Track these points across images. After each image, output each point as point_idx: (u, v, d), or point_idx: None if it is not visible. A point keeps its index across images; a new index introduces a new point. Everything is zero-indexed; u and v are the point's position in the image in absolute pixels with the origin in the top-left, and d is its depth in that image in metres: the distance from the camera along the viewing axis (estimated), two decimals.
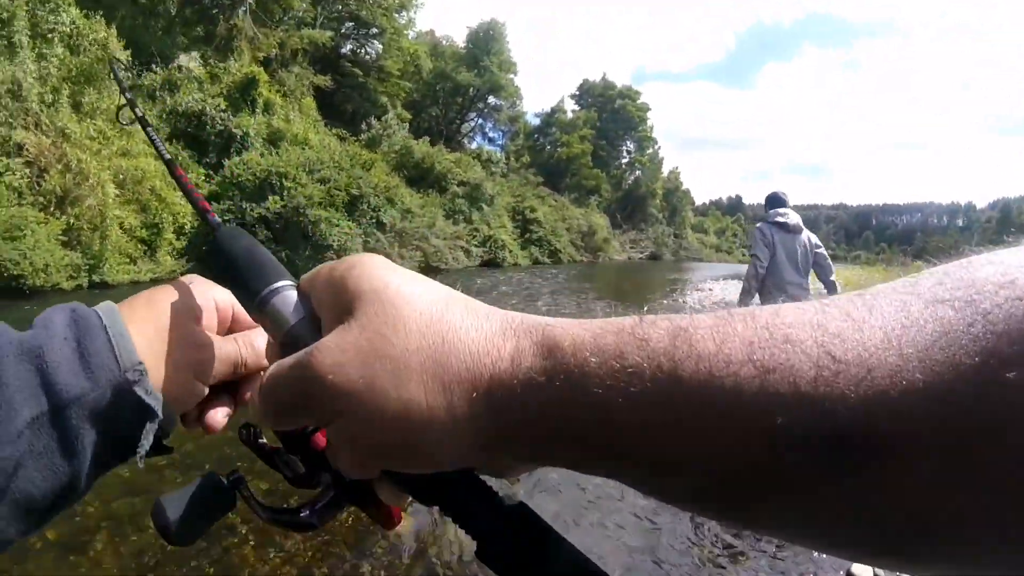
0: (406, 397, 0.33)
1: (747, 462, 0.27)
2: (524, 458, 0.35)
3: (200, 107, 20.10)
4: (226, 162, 19.51)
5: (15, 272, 11.70)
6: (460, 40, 50.31)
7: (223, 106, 20.92)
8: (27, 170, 13.50)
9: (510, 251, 30.54)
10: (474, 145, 49.14)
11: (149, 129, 0.62)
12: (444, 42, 50.63)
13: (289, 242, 18.19)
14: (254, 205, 18.24)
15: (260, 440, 0.48)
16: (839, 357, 0.26)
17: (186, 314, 0.49)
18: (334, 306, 0.38)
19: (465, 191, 29.73)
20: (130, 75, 19.97)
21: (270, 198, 18.42)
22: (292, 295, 0.43)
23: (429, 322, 0.35)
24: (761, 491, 0.28)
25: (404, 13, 39.26)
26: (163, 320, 0.48)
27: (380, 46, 38.31)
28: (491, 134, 55.48)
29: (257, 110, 22.50)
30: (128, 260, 14.61)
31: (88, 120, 15.95)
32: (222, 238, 0.48)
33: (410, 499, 0.41)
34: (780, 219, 5.47)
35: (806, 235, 5.52)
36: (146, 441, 0.44)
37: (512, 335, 0.34)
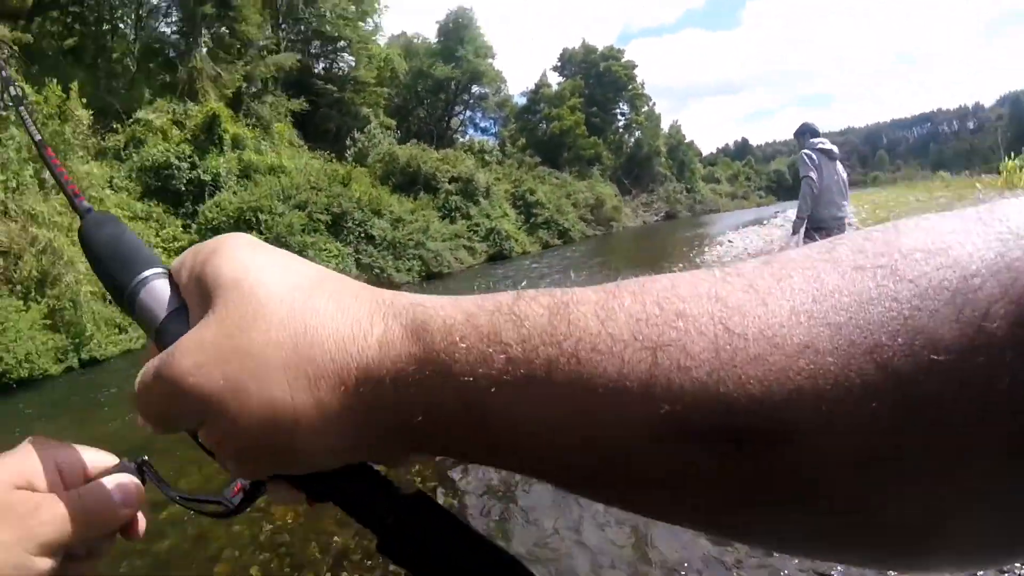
0: (270, 396, 0.31)
1: (628, 454, 0.25)
2: (409, 450, 0.34)
3: (165, 158, 19.63)
4: (200, 208, 19.08)
5: None
6: (432, 36, 49.21)
7: (188, 152, 20.46)
8: (0, 260, 13.28)
9: (516, 240, 29.58)
10: (467, 138, 48.16)
11: (21, 109, 0.54)
12: (416, 40, 49.62)
13: None
14: None
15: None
16: (738, 333, 0.23)
17: (14, 475, 0.44)
18: (197, 296, 0.36)
19: (457, 187, 28.95)
20: (94, 139, 19.79)
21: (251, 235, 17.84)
22: (162, 284, 0.40)
23: (291, 311, 0.33)
24: (646, 483, 0.26)
25: (369, 20, 38.63)
26: None
27: (352, 58, 37.61)
28: (483, 124, 54.59)
29: (225, 148, 21.96)
30: (116, 330, 13.93)
31: (53, 194, 15.42)
32: (87, 226, 0.43)
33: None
34: (823, 146, 5.75)
35: (839, 164, 5.84)
36: None
37: (380, 319, 0.32)
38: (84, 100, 17.38)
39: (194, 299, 0.36)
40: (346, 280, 0.35)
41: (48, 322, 12.96)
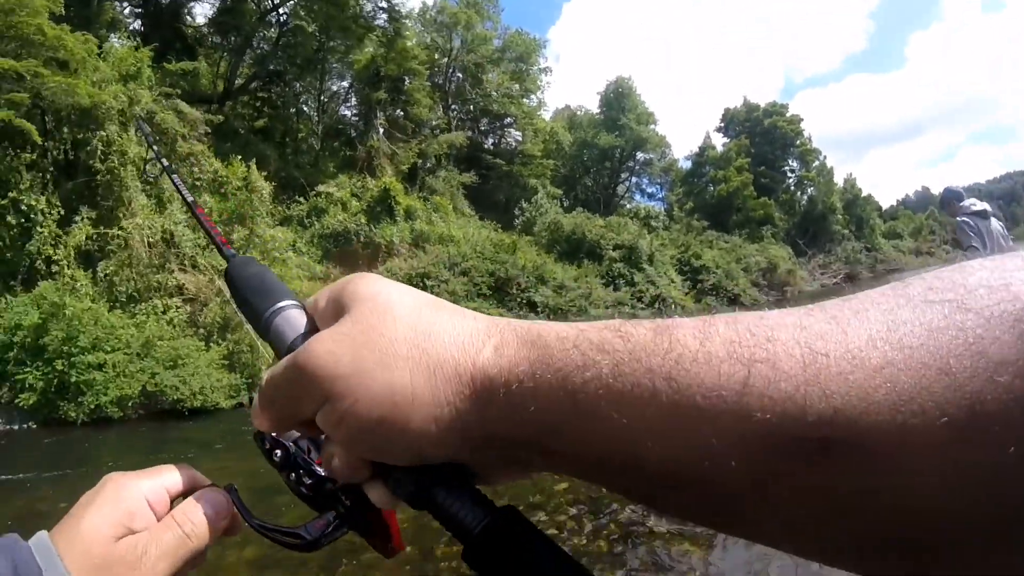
0: (392, 380, 0.35)
1: (720, 462, 0.27)
2: (508, 457, 0.36)
3: (343, 227, 21.03)
4: (373, 271, 19.88)
5: (175, 397, 13.15)
6: (594, 107, 49.95)
7: (364, 221, 21.75)
8: (187, 307, 15.10)
9: (681, 307, 28.03)
10: (633, 204, 47.79)
11: (174, 176, 0.64)
12: (579, 112, 50.67)
13: None
14: None
15: (268, 448, 0.49)
16: (822, 353, 0.26)
17: (111, 529, 0.47)
18: (332, 315, 0.41)
19: (621, 254, 28.19)
20: (280, 207, 21.60)
21: None
22: (295, 313, 0.45)
23: (418, 318, 0.37)
24: (732, 492, 0.28)
25: (532, 97, 40.08)
26: (97, 546, 0.46)
27: (518, 133, 39.08)
28: (649, 189, 53.95)
29: (398, 218, 23.11)
30: None
31: (241, 253, 17.10)
32: (233, 267, 0.51)
33: (403, 506, 0.41)
34: (976, 207, 5.43)
35: (994, 221, 5.54)
36: None
37: (497, 331, 0.36)
38: (266, 173, 18.94)
39: (329, 319, 0.41)
40: (463, 308, 0.40)
41: (225, 362, 14.44)
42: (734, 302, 31.79)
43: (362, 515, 0.45)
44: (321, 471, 0.46)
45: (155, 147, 0.77)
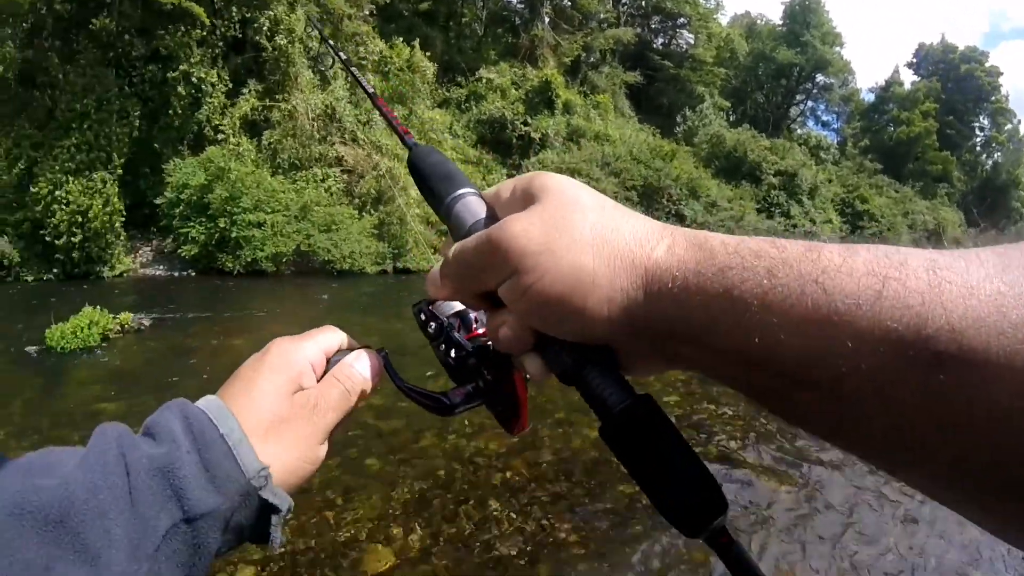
0: (578, 260, 0.38)
1: (855, 364, 0.30)
2: (658, 347, 0.39)
3: (500, 114, 20.89)
4: (523, 163, 19.79)
5: (326, 258, 14.47)
6: (777, 18, 45.53)
7: (522, 110, 21.50)
8: (345, 176, 15.98)
9: None
10: (804, 130, 44.32)
11: (353, 69, 0.66)
12: (760, 22, 46.44)
13: None
14: None
15: (424, 320, 0.54)
16: (947, 280, 0.29)
17: (286, 386, 0.51)
18: (518, 201, 0.43)
19: (782, 181, 26.27)
20: (440, 90, 21.67)
21: None
22: (475, 200, 0.48)
23: (602, 211, 0.40)
24: (861, 394, 0.30)
25: None
26: (275, 403, 0.50)
27: (691, 35, 36.42)
28: (824, 117, 49.69)
29: (556, 111, 22.63)
30: (432, 250, 15.95)
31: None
32: (415, 156, 0.53)
33: (550, 375, 0.44)
34: None
35: None
36: (276, 535, 0.47)
37: (668, 234, 0.39)
38: (428, 54, 19.05)
39: (515, 207, 0.43)
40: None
41: (376, 232, 15.52)
42: None
43: (499, 390, 0.49)
44: (468, 346, 0.50)
45: (330, 41, 0.81)
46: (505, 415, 0.50)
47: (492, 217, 0.45)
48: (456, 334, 0.51)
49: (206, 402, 0.48)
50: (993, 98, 50.08)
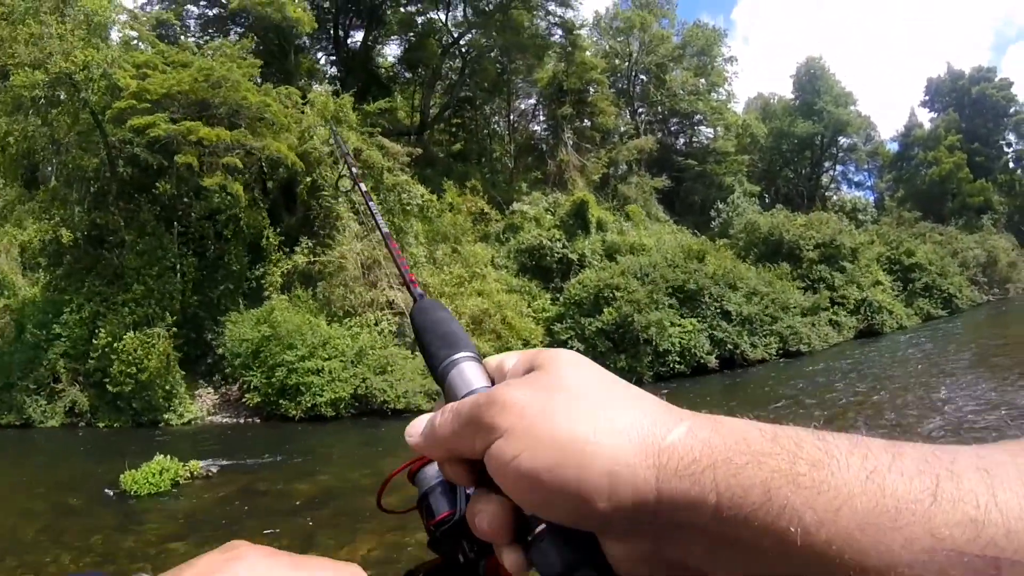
0: (574, 426, 0.36)
1: (908, 568, 0.29)
2: (662, 547, 0.35)
3: (538, 242, 22.53)
4: (565, 284, 21.20)
5: (382, 399, 15.56)
6: (788, 92, 46.80)
7: (558, 236, 23.07)
8: (397, 319, 17.42)
9: (889, 312, 25.40)
10: (839, 196, 44.48)
11: (367, 197, 0.66)
12: (773, 100, 47.86)
13: (628, 349, 18.63)
14: (591, 320, 19.28)
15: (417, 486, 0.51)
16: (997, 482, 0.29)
17: None
18: (521, 372, 0.43)
19: (820, 253, 26.43)
20: (479, 224, 23.66)
21: (605, 310, 19.25)
22: (471, 366, 0.47)
23: (611, 386, 0.39)
24: None
25: (720, 90, 39.03)
26: None
27: (709, 130, 38.35)
28: (856, 178, 49.74)
29: (591, 230, 24.15)
30: None
31: (445, 269, 19.96)
32: (417, 310, 0.53)
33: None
34: None
35: None
36: None
37: (688, 416, 0.37)
38: (468, 190, 21.13)
39: (516, 373, 0.43)
40: None
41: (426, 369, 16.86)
42: (948, 304, 28.58)
43: (476, 568, 0.45)
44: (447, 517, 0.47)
45: (349, 159, 0.87)
46: None
47: (490, 385, 0.45)
48: (437, 505, 0.48)
49: None
50: (1012, 110, 49.42)
